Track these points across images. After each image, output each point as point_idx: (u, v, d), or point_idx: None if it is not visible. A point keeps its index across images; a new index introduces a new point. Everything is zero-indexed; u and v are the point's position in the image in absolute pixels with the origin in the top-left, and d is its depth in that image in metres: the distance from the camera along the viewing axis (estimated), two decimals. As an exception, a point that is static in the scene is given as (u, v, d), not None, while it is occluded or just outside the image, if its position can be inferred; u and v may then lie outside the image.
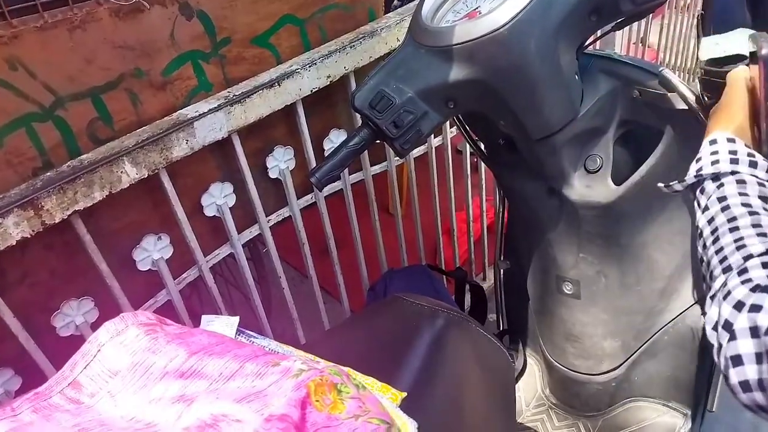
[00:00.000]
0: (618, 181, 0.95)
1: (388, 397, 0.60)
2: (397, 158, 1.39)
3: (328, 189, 1.28)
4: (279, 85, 1.05)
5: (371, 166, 1.34)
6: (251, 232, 1.17)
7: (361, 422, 0.51)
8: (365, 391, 0.58)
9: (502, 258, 1.35)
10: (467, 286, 1.53)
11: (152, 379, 0.54)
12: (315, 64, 1.09)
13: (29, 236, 0.82)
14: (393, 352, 0.79)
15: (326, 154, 1.24)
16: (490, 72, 0.86)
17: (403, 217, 1.50)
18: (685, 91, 0.83)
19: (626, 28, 2.04)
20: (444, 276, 1.58)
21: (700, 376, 1.11)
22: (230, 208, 1.10)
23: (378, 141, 0.97)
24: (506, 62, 0.84)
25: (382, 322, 0.88)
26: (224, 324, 0.69)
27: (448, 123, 1.46)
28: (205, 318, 0.70)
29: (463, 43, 0.86)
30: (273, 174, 1.15)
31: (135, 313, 0.60)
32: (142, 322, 0.58)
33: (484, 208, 1.75)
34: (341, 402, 0.54)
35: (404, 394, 0.62)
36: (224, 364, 0.56)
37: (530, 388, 1.33)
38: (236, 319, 0.70)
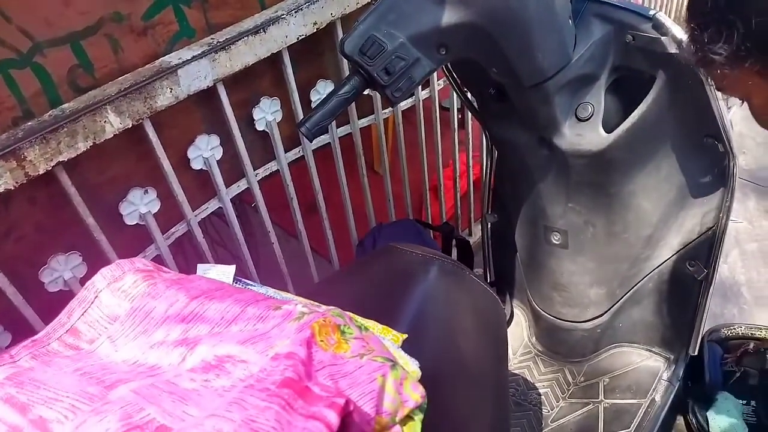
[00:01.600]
0: (609, 129, 0.95)
1: (390, 338, 0.61)
2: (385, 111, 1.38)
3: (315, 143, 1.26)
4: (264, 32, 1.02)
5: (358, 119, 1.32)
6: (239, 186, 1.16)
7: (366, 360, 0.52)
8: (367, 332, 0.58)
9: (489, 211, 1.36)
10: (454, 241, 1.54)
11: (153, 324, 0.54)
12: (301, 9, 1.06)
13: (12, 188, 0.80)
14: (388, 299, 0.80)
15: (313, 105, 1.21)
16: (484, 15, 0.84)
17: (383, 175, 1.49)
18: (680, 33, 0.83)
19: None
20: (431, 231, 1.59)
21: (682, 322, 1.14)
22: (217, 162, 1.08)
23: (368, 90, 0.95)
24: (500, 4, 0.83)
25: (376, 270, 0.88)
26: (221, 272, 0.68)
27: (435, 76, 1.44)
28: (200, 267, 0.69)
29: None
30: (260, 126, 1.13)
31: (131, 260, 0.59)
32: (138, 268, 0.58)
33: (471, 164, 1.75)
34: (345, 342, 0.54)
35: (405, 336, 0.63)
36: (225, 308, 0.55)
37: (517, 337, 1.36)
38: (233, 268, 0.69)
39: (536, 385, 1.28)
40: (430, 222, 1.72)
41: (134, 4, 0.90)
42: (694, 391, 1.25)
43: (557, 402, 1.24)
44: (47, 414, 0.44)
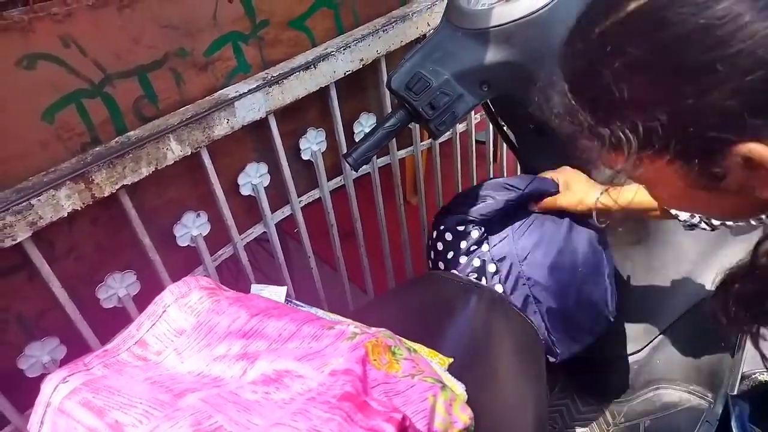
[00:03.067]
0: (648, 165, 0.97)
1: (437, 362, 0.63)
2: (423, 143, 1.42)
3: (356, 173, 1.30)
4: (315, 68, 1.07)
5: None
6: (283, 213, 1.20)
7: (417, 380, 0.54)
8: (416, 354, 0.60)
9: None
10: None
11: (216, 338, 0.57)
12: (349, 47, 1.11)
13: (79, 209, 0.85)
14: (430, 325, 0.82)
15: (356, 136, 1.26)
16: (527, 54, 0.88)
17: (419, 206, 1.52)
18: None
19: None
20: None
21: (721, 360, 1.13)
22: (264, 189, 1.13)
23: (411, 123, 0.99)
24: (543, 44, 0.86)
25: (417, 296, 0.91)
26: (273, 293, 0.72)
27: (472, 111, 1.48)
28: (254, 287, 0.73)
29: (501, 25, 0.88)
30: (305, 156, 1.18)
31: (196, 277, 0.62)
32: (203, 285, 0.61)
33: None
34: (396, 362, 0.56)
35: (451, 360, 0.65)
36: (283, 326, 0.58)
37: (554, 374, 1.35)
38: (284, 289, 0.73)
39: (575, 424, 1.26)
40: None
41: (197, 41, 0.97)
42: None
43: None
44: (123, 418, 0.47)
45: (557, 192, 0.99)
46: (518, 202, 0.99)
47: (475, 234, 0.99)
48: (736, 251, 1.03)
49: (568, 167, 1.02)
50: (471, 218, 0.99)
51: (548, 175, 1.02)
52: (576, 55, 0.52)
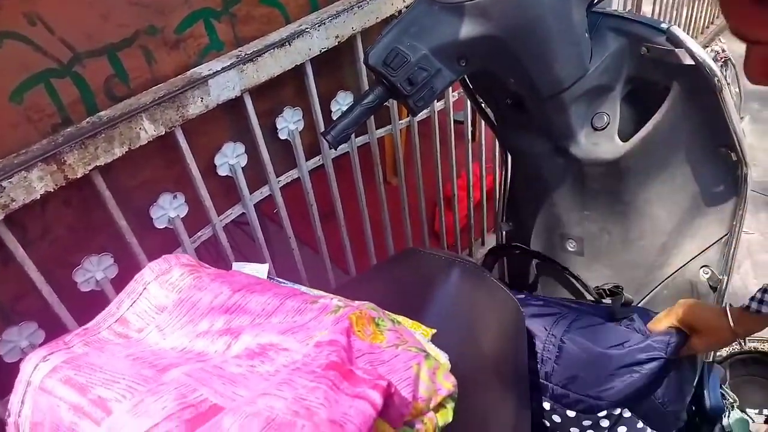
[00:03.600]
0: (624, 138, 0.98)
1: (420, 333, 0.63)
2: (401, 122, 1.41)
3: (334, 152, 1.29)
4: (289, 45, 1.06)
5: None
6: (261, 193, 1.19)
7: (401, 350, 0.54)
8: (400, 325, 0.61)
9: (504, 220, 1.38)
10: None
11: (198, 314, 0.57)
12: (324, 24, 1.10)
13: (52, 190, 0.83)
14: (412, 299, 0.82)
15: (334, 115, 1.25)
16: (504, 28, 0.87)
17: (398, 185, 1.52)
18: (694, 46, 0.86)
19: (620, -3, 2.06)
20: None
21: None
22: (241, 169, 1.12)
23: (390, 100, 0.99)
24: (520, 18, 0.86)
25: (398, 272, 0.91)
26: (255, 270, 0.71)
27: (450, 88, 1.47)
28: (236, 264, 0.72)
29: None
30: (282, 135, 1.17)
31: (176, 255, 0.62)
32: (184, 263, 0.61)
33: (484, 174, 1.78)
34: (380, 333, 0.57)
35: (434, 331, 0.65)
36: (266, 300, 0.58)
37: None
38: (266, 266, 0.72)
39: None
40: (444, 232, 1.75)
41: (168, 18, 0.94)
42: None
43: None
44: (106, 394, 0.47)
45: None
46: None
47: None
48: (710, 221, 1.06)
49: (680, 304, 0.92)
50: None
51: (663, 323, 0.92)
52: None
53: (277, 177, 1.20)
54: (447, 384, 0.54)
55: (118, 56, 0.91)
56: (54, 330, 0.91)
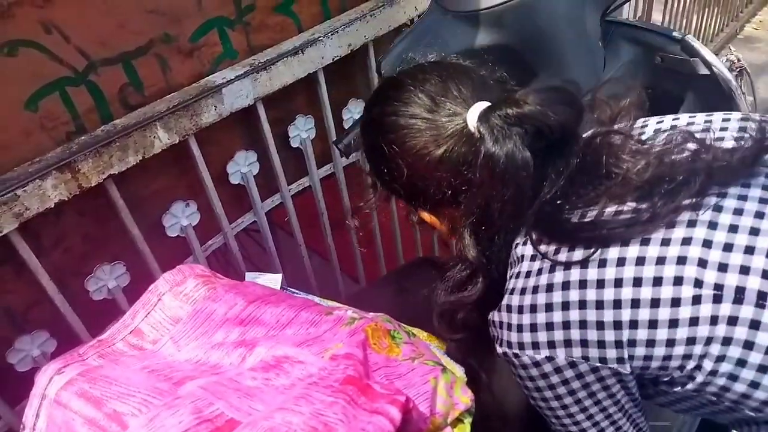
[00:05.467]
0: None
1: (435, 345, 0.63)
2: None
3: (345, 160, 1.29)
4: (302, 53, 1.06)
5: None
6: (273, 201, 1.19)
7: (417, 363, 0.54)
8: (415, 338, 0.60)
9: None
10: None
11: (213, 326, 0.56)
12: (336, 32, 1.10)
13: (66, 199, 0.83)
14: (426, 309, 0.82)
15: (345, 123, 1.25)
16: (517, 37, 0.87)
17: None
18: (709, 55, 0.85)
19: (630, 4, 2.06)
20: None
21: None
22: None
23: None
24: (533, 27, 0.86)
25: (412, 281, 0.90)
26: (269, 280, 0.71)
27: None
28: (249, 275, 0.72)
29: (490, 8, 0.87)
30: (294, 143, 1.16)
31: (190, 265, 0.61)
32: (198, 273, 0.60)
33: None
34: (396, 346, 0.56)
35: (449, 343, 0.65)
36: (280, 312, 0.58)
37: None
38: (280, 276, 0.72)
39: None
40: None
41: (182, 26, 0.95)
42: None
43: None
44: (121, 408, 0.47)
45: None
46: None
47: None
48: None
49: None
50: None
51: None
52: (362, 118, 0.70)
53: (289, 185, 1.20)
54: (464, 398, 0.54)
55: (132, 64, 0.91)
56: (66, 339, 0.91)
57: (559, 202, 0.55)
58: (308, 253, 1.32)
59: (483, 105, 0.56)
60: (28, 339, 0.87)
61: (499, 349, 0.56)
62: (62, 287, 0.90)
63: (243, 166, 1.09)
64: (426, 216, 0.67)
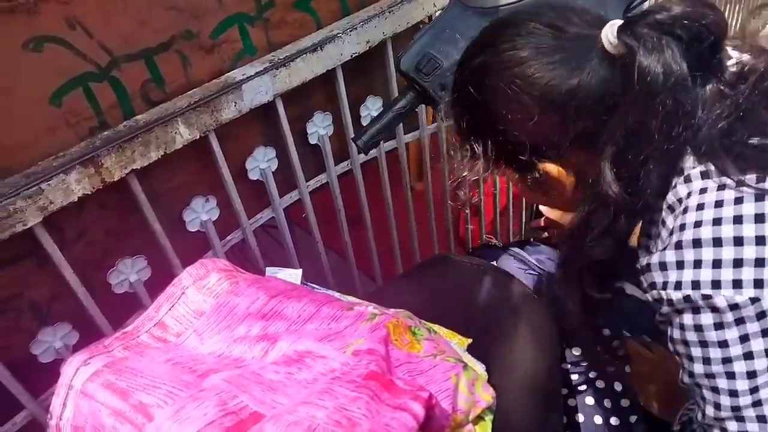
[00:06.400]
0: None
1: (456, 342, 0.63)
2: (429, 127, 1.41)
3: (362, 157, 1.29)
4: (321, 50, 1.06)
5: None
6: (291, 198, 1.19)
7: (439, 360, 0.54)
8: (436, 334, 0.60)
9: (531, 226, 1.37)
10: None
11: (236, 320, 0.57)
12: (355, 28, 1.10)
13: (90, 193, 0.84)
14: (446, 306, 0.81)
15: (362, 120, 1.25)
16: None
17: (424, 191, 1.51)
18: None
19: None
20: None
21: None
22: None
23: (419, 106, 0.98)
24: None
25: (430, 279, 0.90)
26: (289, 275, 0.71)
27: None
28: (269, 269, 0.72)
29: (511, 3, 0.87)
30: (312, 140, 1.17)
31: (213, 259, 0.62)
32: (221, 267, 0.61)
33: (510, 181, 1.76)
34: (417, 342, 0.56)
35: (470, 340, 0.64)
36: (302, 307, 0.58)
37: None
38: (300, 272, 0.72)
39: None
40: (470, 237, 1.74)
41: (203, 23, 0.95)
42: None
43: None
44: (147, 399, 0.47)
45: None
46: None
47: None
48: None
49: None
50: None
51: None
52: (457, 79, 0.66)
53: (307, 182, 1.20)
54: (486, 396, 0.54)
55: (154, 61, 0.92)
56: (87, 331, 0.92)
57: (730, 122, 0.49)
58: (325, 250, 1.32)
59: (618, 22, 0.52)
60: (51, 331, 0.88)
61: (674, 294, 0.49)
62: (84, 280, 0.91)
63: (262, 162, 1.09)
64: (552, 168, 0.59)
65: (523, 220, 1.81)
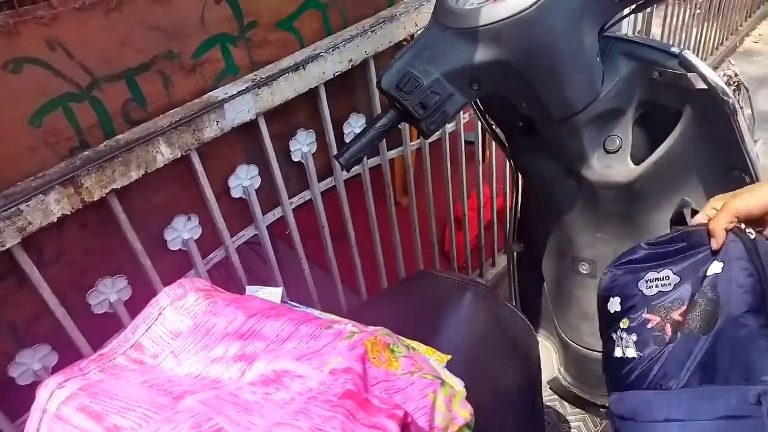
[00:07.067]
0: (636, 161, 0.98)
1: (435, 359, 0.63)
2: (413, 144, 1.42)
3: (346, 174, 1.30)
4: (303, 69, 1.07)
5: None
6: (274, 215, 1.20)
7: (416, 377, 0.54)
8: (415, 351, 0.60)
9: (515, 240, 1.38)
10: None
11: (213, 340, 0.57)
12: (337, 48, 1.11)
13: (69, 213, 0.84)
14: (425, 323, 0.82)
15: (346, 137, 1.26)
16: (516, 53, 0.88)
17: (409, 206, 1.52)
18: (706, 70, 0.86)
19: (630, 18, 2.08)
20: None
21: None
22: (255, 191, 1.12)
23: (402, 123, 0.99)
24: (532, 43, 0.87)
25: (411, 295, 0.91)
26: (269, 294, 0.71)
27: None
28: (249, 288, 0.72)
29: (489, 24, 0.88)
30: (296, 157, 1.17)
31: (191, 279, 0.62)
32: (199, 287, 0.61)
33: (494, 195, 1.78)
34: (395, 360, 0.56)
35: (449, 357, 0.65)
36: (280, 326, 0.58)
37: (546, 369, 1.36)
38: (280, 290, 0.72)
39: (568, 418, 1.27)
40: (454, 252, 1.75)
41: (185, 43, 0.96)
42: None
43: None
44: (121, 422, 0.47)
45: None
46: None
47: None
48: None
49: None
50: None
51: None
52: None
53: (290, 198, 1.21)
54: (463, 412, 0.54)
55: (136, 80, 0.92)
56: (67, 352, 0.92)
57: None
58: (310, 265, 1.32)
59: None
60: (30, 353, 0.88)
61: None
62: (64, 301, 0.90)
63: (244, 179, 1.10)
64: None
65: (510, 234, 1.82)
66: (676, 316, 0.71)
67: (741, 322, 0.66)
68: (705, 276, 0.69)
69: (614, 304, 0.81)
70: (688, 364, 0.68)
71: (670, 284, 0.74)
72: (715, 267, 0.69)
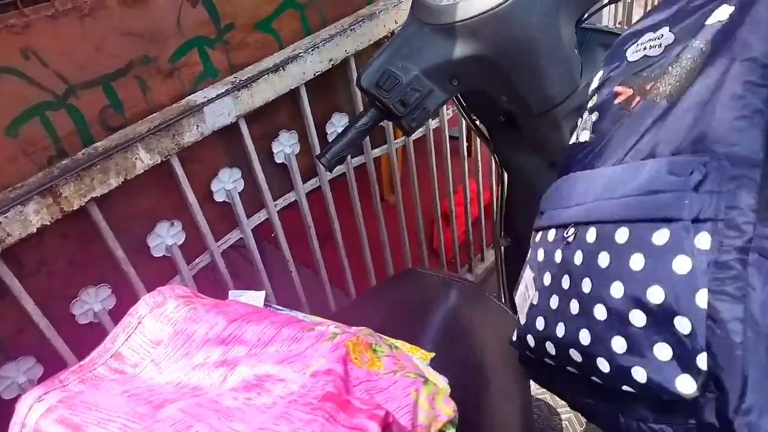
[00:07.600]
0: (618, 152, 0.98)
1: (418, 357, 0.63)
2: (397, 141, 1.42)
3: (331, 174, 1.30)
4: (283, 69, 1.07)
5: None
6: (259, 217, 1.19)
7: (399, 376, 0.54)
8: (398, 350, 0.60)
9: (502, 235, 1.38)
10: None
11: (194, 347, 0.56)
12: (317, 47, 1.11)
13: (48, 223, 0.83)
14: (411, 321, 0.82)
15: (329, 137, 1.26)
16: (493, 48, 0.88)
17: (396, 203, 1.52)
18: None
19: (610, 8, 2.08)
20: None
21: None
22: (238, 194, 1.12)
23: (384, 121, 0.99)
24: (508, 37, 0.87)
25: (397, 294, 0.91)
26: (251, 298, 0.71)
27: (444, 106, 1.48)
28: (232, 293, 0.72)
29: (465, 20, 0.88)
30: (279, 159, 1.17)
31: (171, 286, 0.61)
32: (179, 294, 0.60)
33: (481, 190, 1.78)
34: (378, 360, 0.56)
35: (432, 355, 0.65)
36: (262, 330, 0.58)
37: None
38: (262, 294, 0.72)
39: (558, 410, 1.28)
40: (443, 248, 1.75)
41: (162, 47, 0.95)
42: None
43: (580, 428, 1.24)
44: (101, 433, 0.46)
45: None
46: None
47: None
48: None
49: None
50: None
51: None
52: None
53: (275, 200, 1.20)
54: (447, 409, 0.54)
55: (112, 86, 0.92)
56: (52, 364, 0.91)
57: None
58: (297, 266, 1.32)
59: None
60: (14, 366, 0.87)
61: None
62: (47, 312, 0.89)
63: (227, 183, 1.09)
64: None
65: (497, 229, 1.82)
66: (648, 86, 0.55)
67: None
68: (703, 26, 0.53)
69: (596, 82, 0.67)
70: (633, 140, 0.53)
71: (660, 45, 0.57)
72: (721, 12, 0.51)
